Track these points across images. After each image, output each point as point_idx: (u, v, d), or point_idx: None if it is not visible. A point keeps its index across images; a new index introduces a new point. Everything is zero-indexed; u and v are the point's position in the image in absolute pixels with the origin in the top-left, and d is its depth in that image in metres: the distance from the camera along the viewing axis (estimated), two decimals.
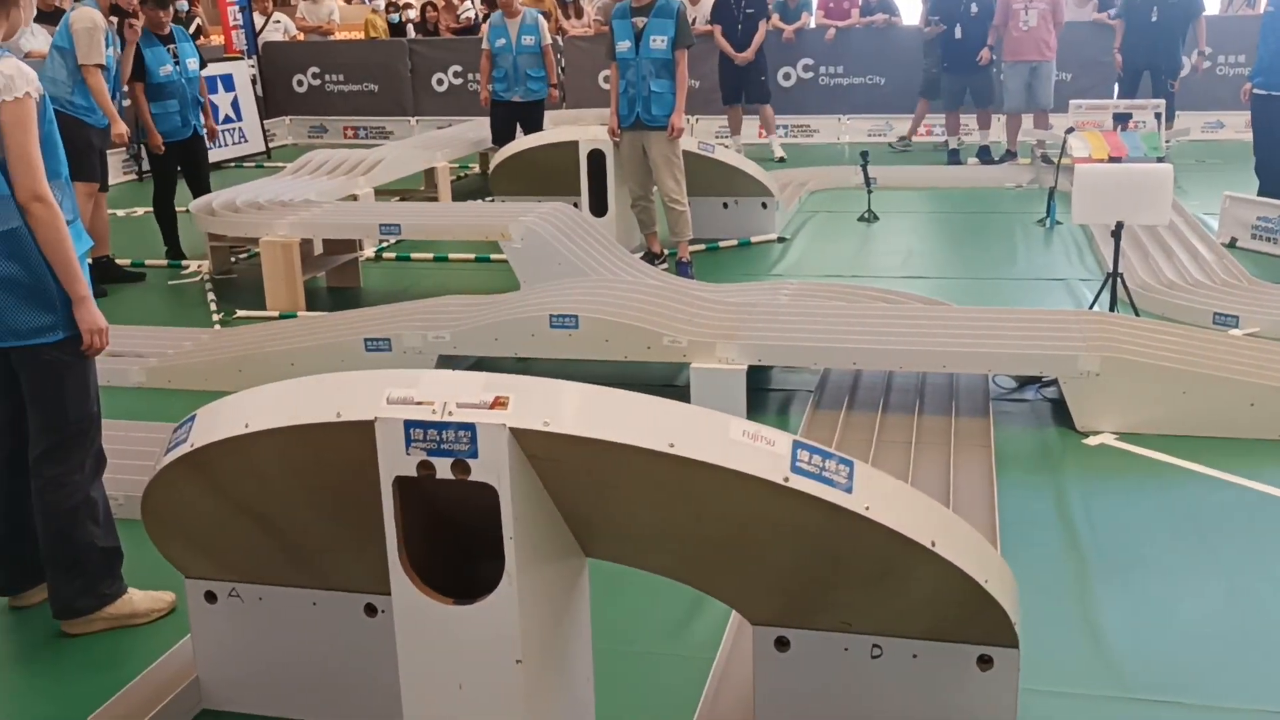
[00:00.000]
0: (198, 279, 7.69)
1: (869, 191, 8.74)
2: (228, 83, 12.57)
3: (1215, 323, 5.74)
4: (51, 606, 3.40)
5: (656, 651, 3.28)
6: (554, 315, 5.06)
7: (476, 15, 15.76)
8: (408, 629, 2.39)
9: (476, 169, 11.42)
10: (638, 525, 2.43)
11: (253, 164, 12.72)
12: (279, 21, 15.23)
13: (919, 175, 10.36)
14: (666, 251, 7.56)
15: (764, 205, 8.28)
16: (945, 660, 2.55)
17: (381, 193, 8.69)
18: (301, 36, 15.57)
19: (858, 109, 12.86)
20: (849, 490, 2.26)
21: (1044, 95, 10.45)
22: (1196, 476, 4.26)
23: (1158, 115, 8.97)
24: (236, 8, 14.11)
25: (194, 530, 2.81)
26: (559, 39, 12.89)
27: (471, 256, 7.95)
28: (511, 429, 2.21)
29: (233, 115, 12.57)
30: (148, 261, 8.04)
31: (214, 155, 9.01)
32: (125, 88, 7.55)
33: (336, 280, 7.37)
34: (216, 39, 14.86)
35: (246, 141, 12.92)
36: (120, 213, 9.86)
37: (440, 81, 14.10)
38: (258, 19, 14.69)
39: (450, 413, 2.24)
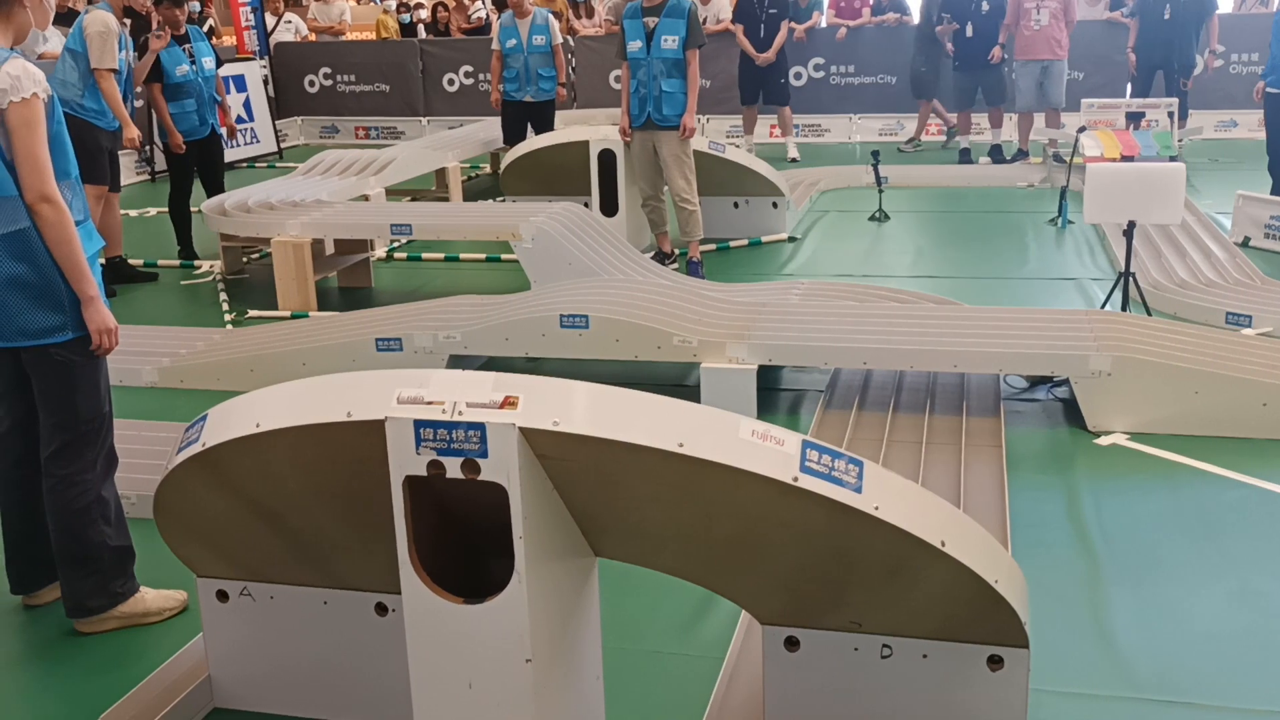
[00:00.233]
0: (210, 279, 7.72)
1: (880, 191, 8.74)
2: (240, 83, 12.62)
3: (1228, 322, 5.71)
4: (64, 605, 3.42)
5: (666, 651, 3.28)
6: (564, 315, 5.07)
7: (487, 15, 15.77)
8: (418, 628, 2.40)
9: (487, 169, 11.44)
10: (647, 524, 2.43)
11: (265, 164, 12.77)
12: (290, 22, 15.30)
13: (930, 174, 10.34)
14: (677, 251, 7.56)
15: (775, 205, 8.28)
16: (955, 660, 2.55)
17: (393, 193, 8.71)
18: (313, 37, 15.63)
19: (869, 108, 12.85)
20: (859, 490, 2.26)
21: (1056, 94, 10.42)
22: (1208, 477, 4.24)
23: (1170, 114, 8.93)
24: (249, 9, 14.16)
25: (205, 529, 2.82)
26: (570, 39, 12.90)
27: (482, 256, 7.96)
28: (521, 429, 2.21)
29: (245, 116, 12.63)
30: (160, 261, 8.07)
31: (227, 156, 9.02)
32: (137, 90, 7.57)
33: (348, 280, 7.40)
34: (229, 40, 14.91)
35: (258, 142, 12.97)
36: (133, 213, 9.91)
37: (451, 82, 14.13)
38: (269, 20, 14.75)
39: (460, 412, 2.24)
